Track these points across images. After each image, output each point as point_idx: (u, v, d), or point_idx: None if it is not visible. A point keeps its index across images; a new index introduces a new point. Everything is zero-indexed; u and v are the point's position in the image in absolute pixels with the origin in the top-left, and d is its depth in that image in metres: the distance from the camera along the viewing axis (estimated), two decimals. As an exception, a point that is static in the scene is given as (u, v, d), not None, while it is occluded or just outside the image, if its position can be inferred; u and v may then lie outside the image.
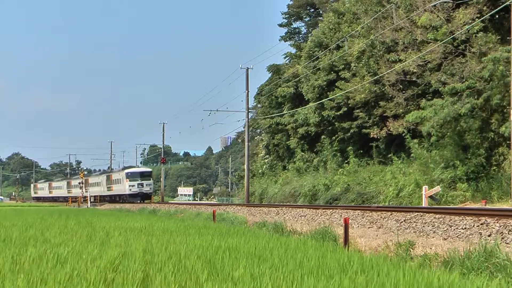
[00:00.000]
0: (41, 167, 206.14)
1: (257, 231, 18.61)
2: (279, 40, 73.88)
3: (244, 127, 60.82)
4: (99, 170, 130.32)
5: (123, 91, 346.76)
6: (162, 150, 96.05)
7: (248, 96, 57.25)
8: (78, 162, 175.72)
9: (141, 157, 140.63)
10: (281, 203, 43.45)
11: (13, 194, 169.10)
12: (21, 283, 7.40)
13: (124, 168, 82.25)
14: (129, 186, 72.71)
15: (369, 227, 17.39)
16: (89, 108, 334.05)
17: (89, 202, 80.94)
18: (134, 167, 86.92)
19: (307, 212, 23.85)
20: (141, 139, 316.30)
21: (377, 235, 15.58)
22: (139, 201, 69.46)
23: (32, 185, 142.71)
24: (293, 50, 68.24)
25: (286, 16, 71.33)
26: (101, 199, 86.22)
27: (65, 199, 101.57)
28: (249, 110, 61.11)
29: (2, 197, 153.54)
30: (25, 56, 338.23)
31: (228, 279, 7.78)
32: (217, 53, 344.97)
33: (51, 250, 10.92)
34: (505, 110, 30.66)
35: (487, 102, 32.03)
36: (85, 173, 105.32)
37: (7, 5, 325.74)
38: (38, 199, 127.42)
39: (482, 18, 32.12)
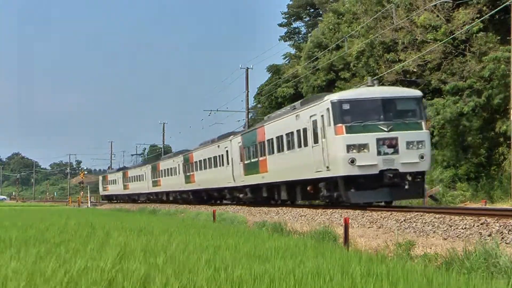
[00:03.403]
0: (41, 167, 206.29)
1: (257, 231, 18.61)
2: (279, 40, 73.93)
3: (244, 127, 60.82)
4: (99, 170, 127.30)
5: (124, 91, 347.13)
6: (162, 150, 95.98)
7: (248, 96, 57.33)
8: (78, 162, 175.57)
9: (141, 157, 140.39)
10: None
11: (13, 194, 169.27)
12: (23, 283, 7.41)
13: (307, 99, 28.69)
14: (347, 148, 21.07)
15: (369, 227, 17.39)
16: (89, 108, 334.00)
17: (89, 202, 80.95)
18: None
19: (307, 212, 23.84)
20: (141, 139, 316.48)
21: (377, 235, 15.58)
22: (384, 201, 22.99)
23: (100, 178, 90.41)
24: (293, 51, 68.23)
25: (286, 16, 71.35)
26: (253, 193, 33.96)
27: (149, 197, 62.76)
28: (249, 110, 61.16)
29: (4, 197, 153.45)
30: (25, 56, 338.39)
31: (228, 279, 7.79)
32: (217, 53, 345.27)
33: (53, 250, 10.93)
34: (507, 110, 30.66)
35: (488, 102, 32.05)
36: (85, 173, 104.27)
37: (8, 4, 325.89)
38: (109, 198, 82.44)
39: (482, 18, 32.11)
